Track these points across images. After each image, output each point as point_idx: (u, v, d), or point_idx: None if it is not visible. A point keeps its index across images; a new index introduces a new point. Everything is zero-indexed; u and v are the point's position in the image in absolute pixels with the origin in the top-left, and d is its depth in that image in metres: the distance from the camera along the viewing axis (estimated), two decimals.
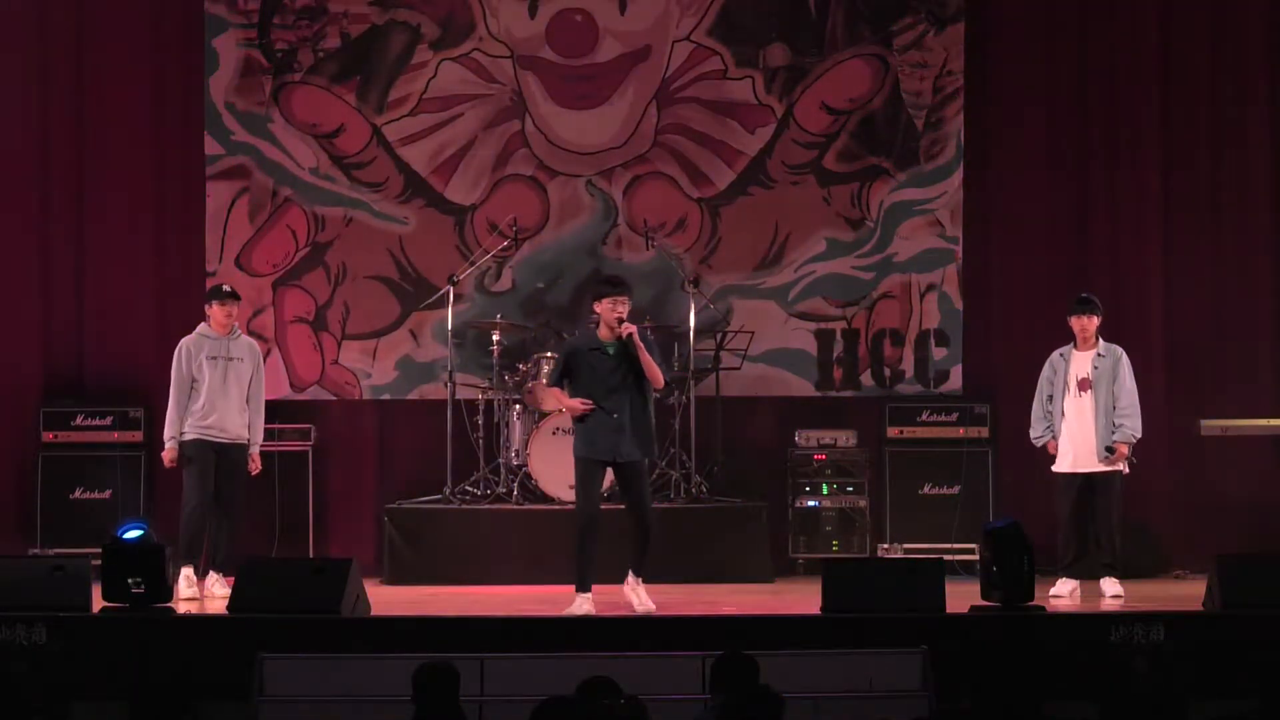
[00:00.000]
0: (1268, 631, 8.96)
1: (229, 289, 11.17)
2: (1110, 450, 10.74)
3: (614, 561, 9.98)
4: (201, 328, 11.07)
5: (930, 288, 12.92)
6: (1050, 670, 8.60)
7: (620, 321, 9.85)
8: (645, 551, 9.97)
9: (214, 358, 10.95)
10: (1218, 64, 12.80)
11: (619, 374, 9.89)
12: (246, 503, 11.30)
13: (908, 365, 12.91)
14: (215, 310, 11.01)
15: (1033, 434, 11.05)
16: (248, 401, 11.03)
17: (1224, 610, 9.30)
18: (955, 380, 12.88)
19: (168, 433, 10.96)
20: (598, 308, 10.00)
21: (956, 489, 12.42)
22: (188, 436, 10.89)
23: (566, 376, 10.06)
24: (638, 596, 9.89)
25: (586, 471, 9.93)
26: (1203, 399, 12.45)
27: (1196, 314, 12.73)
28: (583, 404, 9.88)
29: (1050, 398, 10.93)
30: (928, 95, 12.90)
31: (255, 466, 11.10)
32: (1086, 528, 10.86)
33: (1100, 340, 10.93)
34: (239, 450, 10.99)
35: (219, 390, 10.91)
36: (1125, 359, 10.90)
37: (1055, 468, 10.94)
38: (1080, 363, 10.90)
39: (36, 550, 12.03)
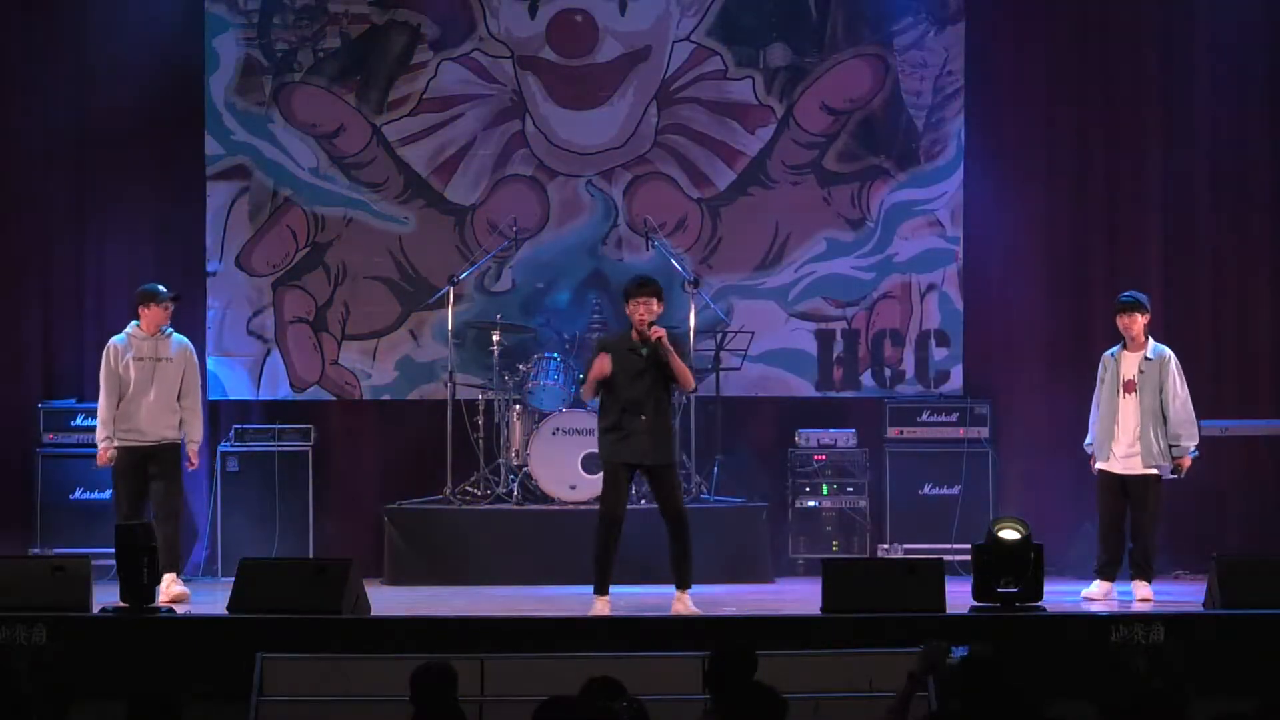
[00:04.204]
0: (1268, 631, 8.96)
1: (169, 290, 10.86)
2: (1176, 471, 10.61)
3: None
4: (131, 328, 10.79)
5: (930, 288, 12.91)
6: (1050, 670, 8.60)
7: (650, 325, 9.82)
8: (685, 558, 9.87)
9: (140, 359, 10.68)
10: (1218, 63, 12.78)
11: (648, 376, 9.87)
12: (184, 503, 11.15)
13: (908, 365, 12.90)
14: (155, 312, 10.71)
15: (1086, 441, 10.84)
16: (180, 400, 10.71)
17: (1224, 610, 9.30)
18: (955, 380, 12.87)
19: (101, 433, 10.68)
20: (628, 310, 9.96)
21: (956, 489, 12.40)
22: (116, 443, 10.65)
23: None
24: (685, 606, 9.78)
25: (614, 474, 9.91)
26: (1203, 399, 12.43)
27: (1196, 314, 12.72)
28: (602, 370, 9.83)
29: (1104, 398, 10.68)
30: (928, 95, 12.88)
31: (192, 464, 10.81)
32: (1124, 530, 10.66)
33: (1150, 340, 10.70)
34: (167, 451, 10.66)
35: (143, 393, 10.65)
36: (1174, 363, 10.67)
37: (1096, 466, 10.72)
38: (1129, 363, 10.65)
39: (36, 550, 12.03)
